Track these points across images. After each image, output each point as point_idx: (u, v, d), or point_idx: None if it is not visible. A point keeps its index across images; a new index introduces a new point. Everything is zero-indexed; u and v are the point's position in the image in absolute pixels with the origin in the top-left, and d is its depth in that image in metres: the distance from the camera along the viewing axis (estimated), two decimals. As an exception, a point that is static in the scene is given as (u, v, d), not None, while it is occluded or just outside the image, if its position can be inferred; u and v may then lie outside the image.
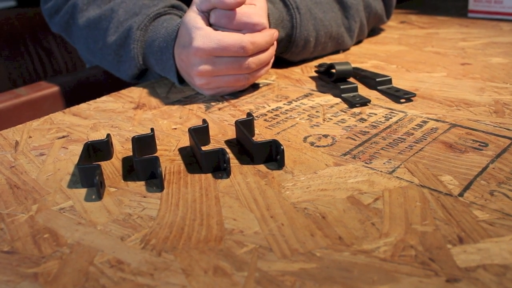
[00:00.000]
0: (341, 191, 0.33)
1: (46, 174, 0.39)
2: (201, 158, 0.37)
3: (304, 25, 0.59)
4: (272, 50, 0.53)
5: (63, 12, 0.66)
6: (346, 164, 0.37)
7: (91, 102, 0.55)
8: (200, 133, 0.42)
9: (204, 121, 0.43)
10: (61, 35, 0.71)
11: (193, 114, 0.50)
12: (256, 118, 0.47)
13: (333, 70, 0.54)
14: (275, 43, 0.54)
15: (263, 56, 0.51)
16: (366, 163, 0.37)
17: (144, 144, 0.41)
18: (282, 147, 0.37)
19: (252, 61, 0.50)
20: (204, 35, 0.49)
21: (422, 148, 0.39)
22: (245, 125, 0.42)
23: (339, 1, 0.66)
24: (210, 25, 0.51)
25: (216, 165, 0.37)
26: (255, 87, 0.57)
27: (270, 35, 0.51)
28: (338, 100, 0.51)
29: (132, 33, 0.57)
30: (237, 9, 0.49)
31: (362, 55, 0.68)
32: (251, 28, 0.50)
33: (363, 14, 0.69)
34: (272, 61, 0.54)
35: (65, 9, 0.65)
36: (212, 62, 0.50)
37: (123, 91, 0.58)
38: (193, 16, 0.50)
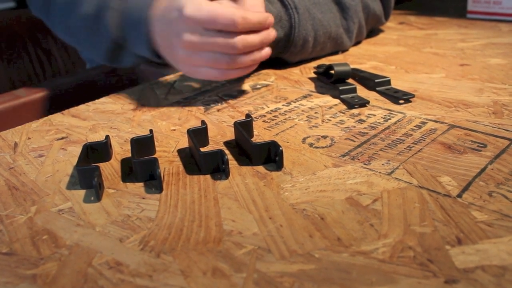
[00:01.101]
0: (339, 192, 0.33)
1: (45, 175, 0.39)
2: (200, 159, 0.37)
3: (303, 25, 0.59)
4: (262, 37, 0.49)
5: None
6: (345, 165, 0.37)
7: (90, 103, 0.55)
8: (199, 134, 0.42)
9: (203, 122, 0.43)
10: (57, 34, 0.69)
11: (192, 115, 0.50)
12: (255, 119, 0.47)
13: (332, 71, 0.54)
14: (270, 34, 0.50)
15: (251, 38, 0.48)
16: (365, 164, 0.37)
17: (143, 145, 0.41)
18: (280, 148, 0.37)
19: (239, 40, 0.47)
20: (196, 3, 0.46)
21: (421, 149, 0.39)
22: (244, 126, 0.42)
23: (338, 2, 0.66)
24: None
25: (215, 166, 0.37)
26: (254, 88, 0.57)
27: (263, 16, 0.48)
28: (337, 101, 0.51)
29: (109, 1, 0.54)
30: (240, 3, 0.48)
31: (361, 56, 0.68)
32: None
33: (361, 15, 0.69)
34: (259, 59, 0.51)
35: None
36: (199, 33, 0.47)
37: (122, 93, 0.58)
38: None
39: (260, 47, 0.50)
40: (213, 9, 0.46)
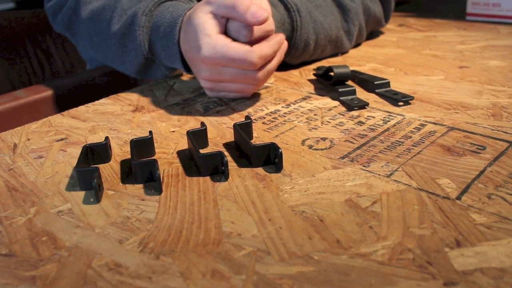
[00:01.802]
0: (339, 194, 0.33)
1: (44, 176, 0.39)
2: (199, 161, 0.37)
3: (305, 28, 0.59)
4: (279, 56, 0.51)
5: (66, 8, 0.64)
6: (344, 167, 0.37)
7: (89, 104, 0.55)
8: (198, 136, 0.42)
9: (203, 124, 0.43)
10: (62, 37, 0.70)
11: (192, 117, 0.50)
12: (254, 121, 0.47)
13: (332, 73, 0.54)
14: (284, 45, 0.52)
15: (271, 66, 0.50)
16: (364, 166, 0.37)
17: (143, 147, 0.41)
18: (280, 150, 0.37)
19: (261, 74, 0.49)
20: (211, 45, 0.47)
21: (420, 151, 0.39)
22: (243, 128, 0.42)
23: (339, 5, 0.66)
24: (223, 31, 0.48)
25: (215, 168, 0.37)
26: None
27: (277, 42, 0.49)
28: (336, 103, 0.51)
29: (137, 19, 0.55)
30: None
31: (361, 58, 0.68)
32: (266, 35, 0.49)
33: (362, 18, 0.70)
34: (275, 67, 0.52)
35: (68, 5, 0.64)
36: (218, 71, 0.49)
37: (121, 94, 0.58)
38: (203, 20, 0.48)
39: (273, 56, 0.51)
40: (227, 51, 0.46)
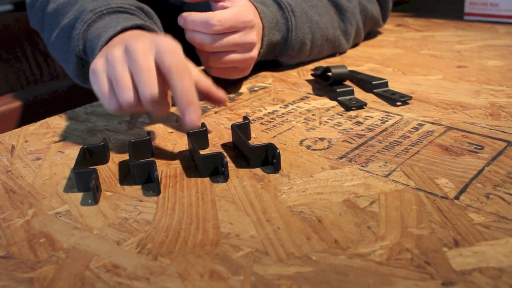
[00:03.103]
0: (337, 195, 0.33)
1: (42, 178, 0.39)
2: (199, 162, 0.37)
3: (300, 27, 0.59)
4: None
5: (40, 1, 0.60)
6: (342, 168, 0.37)
7: (87, 106, 0.55)
8: (198, 137, 0.42)
9: (203, 124, 0.43)
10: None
11: (190, 118, 0.50)
12: (252, 121, 0.47)
13: (329, 73, 0.55)
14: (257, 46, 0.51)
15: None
16: (362, 166, 0.37)
17: (141, 148, 0.41)
18: (278, 151, 0.37)
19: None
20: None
21: (418, 151, 0.39)
22: (242, 129, 0.42)
23: (335, 5, 0.66)
24: None
25: (214, 169, 0.37)
26: (251, 90, 0.57)
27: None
28: (334, 103, 0.51)
29: (84, 14, 0.50)
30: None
31: (358, 58, 0.68)
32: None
33: (359, 18, 0.70)
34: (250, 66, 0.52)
35: None
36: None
37: (119, 95, 0.58)
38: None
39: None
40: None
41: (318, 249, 0.28)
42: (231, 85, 0.59)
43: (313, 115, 0.48)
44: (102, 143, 0.41)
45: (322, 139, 0.42)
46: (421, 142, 0.40)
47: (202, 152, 0.38)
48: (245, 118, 0.43)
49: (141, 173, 0.36)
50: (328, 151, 0.40)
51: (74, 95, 0.71)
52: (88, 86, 0.53)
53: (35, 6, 0.62)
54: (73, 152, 0.43)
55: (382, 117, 0.46)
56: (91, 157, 0.40)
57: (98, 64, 0.39)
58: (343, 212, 0.31)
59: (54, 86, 0.69)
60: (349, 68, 0.58)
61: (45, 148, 0.45)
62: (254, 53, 0.52)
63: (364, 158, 0.38)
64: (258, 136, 0.44)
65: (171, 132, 0.46)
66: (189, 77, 0.36)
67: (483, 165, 0.36)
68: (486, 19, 0.88)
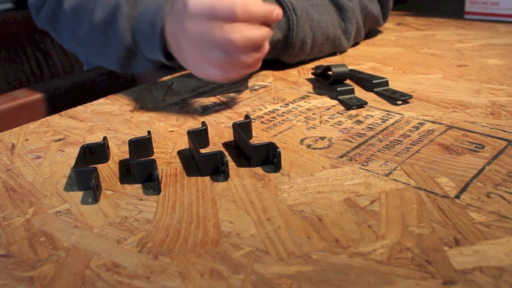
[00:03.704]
0: (337, 194, 0.33)
1: (42, 177, 0.39)
2: (199, 161, 0.37)
3: (301, 26, 0.59)
4: (262, 34, 0.46)
5: (49, 2, 0.62)
6: (342, 166, 0.37)
7: (87, 104, 0.55)
8: (199, 135, 0.42)
9: (203, 123, 0.43)
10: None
11: (190, 117, 0.50)
12: (253, 120, 0.47)
13: (330, 72, 0.54)
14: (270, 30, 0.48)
15: (250, 33, 0.45)
16: (362, 165, 0.37)
17: (141, 146, 0.41)
18: (278, 150, 0.37)
19: (238, 36, 0.44)
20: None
21: (419, 150, 0.39)
22: (243, 128, 0.42)
23: (336, 4, 0.66)
24: None
25: (215, 168, 0.37)
26: (252, 89, 0.57)
27: (269, 9, 0.45)
28: (334, 102, 0.51)
29: (120, 7, 0.53)
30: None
31: (359, 57, 0.68)
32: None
33: (359, 17, 0.70)
34: (260, 56, 0.48)
35: None
36: (199, 26, 0.44)
37: (119, 94, 0.58)
38: None
39: (261, 43, 0.47)
40: (215, 1, 0.44)
41: (319, 248, 0.28)
42: (231, 84, 0.59)
43: (313, 114, 0.48)
44: (102, 142, 0.41)
45: (322, 138, 0.42)
46: (422, 141, 0.40)
47: (202, 150, 0.38)
48: (246, 116, 0.43)
49: (141, 171, 0.36)
50: (328, 150, 0.40)
51: (74, 94, 0.71)
52: (129, 73, 0.60)
53: (43, 6, 0.63)
54: (73, 150, 0.43)
55: (383, 116, 0.46)
56: (91, 155, 0.40)
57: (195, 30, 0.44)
58: (343, 211, 0.31)
59: (54, 85, 0.69)
60: (350, 67, 0.58)
61: (45, 147, 0.44)
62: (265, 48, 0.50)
63: (364, 157, 0.38)
64: (258, 135, 0.44)
65: (172, 131, 0.46)
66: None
67: (483, 164, 0.36)
68: (487, 18, 0.88)
